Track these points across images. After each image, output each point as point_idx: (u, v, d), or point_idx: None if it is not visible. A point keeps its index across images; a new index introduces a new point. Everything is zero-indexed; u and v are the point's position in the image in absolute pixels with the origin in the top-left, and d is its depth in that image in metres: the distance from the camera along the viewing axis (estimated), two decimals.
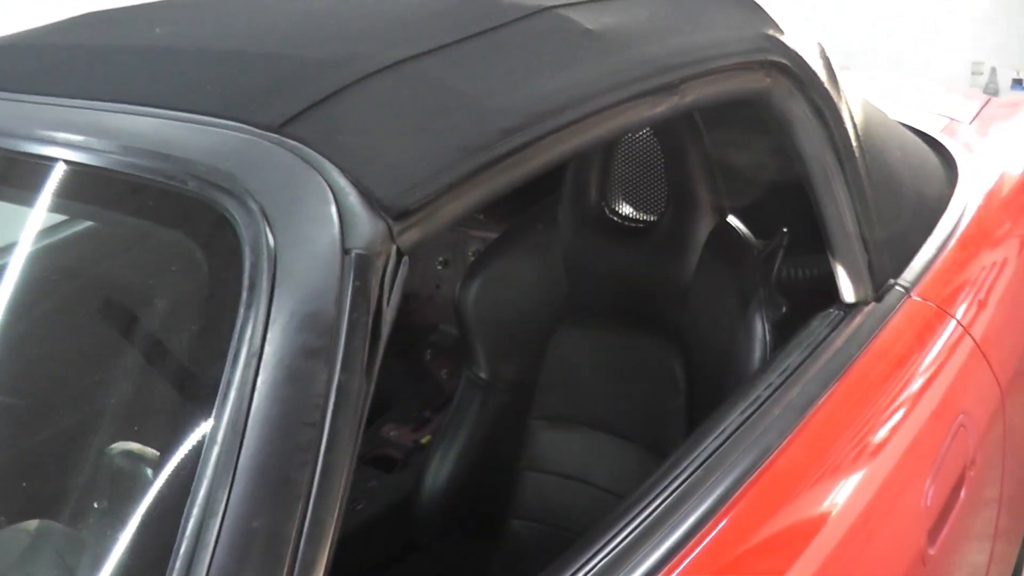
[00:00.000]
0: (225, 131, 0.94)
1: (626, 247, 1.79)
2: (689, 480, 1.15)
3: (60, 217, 1.19)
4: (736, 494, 1.15)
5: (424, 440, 2.29)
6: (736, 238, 1.67)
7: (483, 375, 1.87)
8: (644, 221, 1.80)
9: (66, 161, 1.00)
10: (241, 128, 0.93)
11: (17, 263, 1.14)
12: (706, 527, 1.10)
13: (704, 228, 1.69)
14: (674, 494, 1.13)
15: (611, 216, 1.82)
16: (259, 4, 1.40)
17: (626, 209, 1.83)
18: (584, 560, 1.04)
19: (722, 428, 1.24)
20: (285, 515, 0.77)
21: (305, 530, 0.77)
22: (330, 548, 0.79)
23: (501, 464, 1.89)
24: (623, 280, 1.80)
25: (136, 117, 1.00)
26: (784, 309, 1.56)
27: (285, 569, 0.76)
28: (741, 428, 1.24)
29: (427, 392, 2.47)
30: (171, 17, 1.36)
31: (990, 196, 1.85)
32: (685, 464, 1.18)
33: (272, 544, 0.76)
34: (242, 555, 0.75)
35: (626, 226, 1.81)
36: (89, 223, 1.11)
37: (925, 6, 4.57)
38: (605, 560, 1.04)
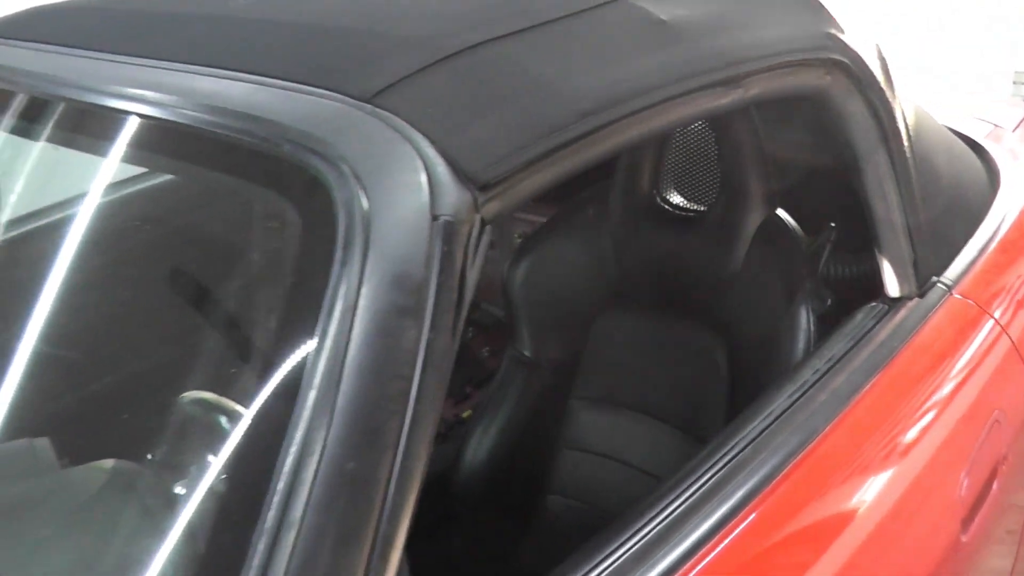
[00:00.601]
0: (318, 99, 0.98)
1: (676, 235, 1.83)
2: (733, 461, 1.20)
3: (157, 173, 1.24)
4: (780, 475, 1.20)
5: (465, 415, 2.34)
6: (785, 231, 1.72)
7: (527, 353, 1.92)
8: (694, 210, 1.85)
9: (165, 120, 1.05)
10: (334, 97, 0.98)
11: (117, 214, 1.20)
12: (750, 506, 1.15)
13: (754, 220, 1.73)
14: (718, 474, 1.18)
15: (662, 204, 1.86)
16: None
17: (677, 198, 1.88)
18: (625, 538, 1.08)
19: (767, 412, 1.28)
20: (377, 460, 0.82)
21: (394, 475, 0.83)
22: (416, 494, 0.84)
23: (541, 441, 1.93)
24: (671, 267, 1.85)
25: (228, 81, 1.05)
26: (829, 302, 1.61)
27: (376, 510, 0.82)
28: (787, 412, 1.28)
29: (468, 369, 2.52)
30: None
31: None
32: (729, 446, 1.22)
33: (365, 486, 0.82)
34: (337, 494, 0.80)
35: (676, 214, 1.86)
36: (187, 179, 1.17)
37: (972, 15, 4.60)
38: (646, 538, 1.08)
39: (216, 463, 0.95)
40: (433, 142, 0.94)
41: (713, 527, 1.11)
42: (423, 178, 0.91)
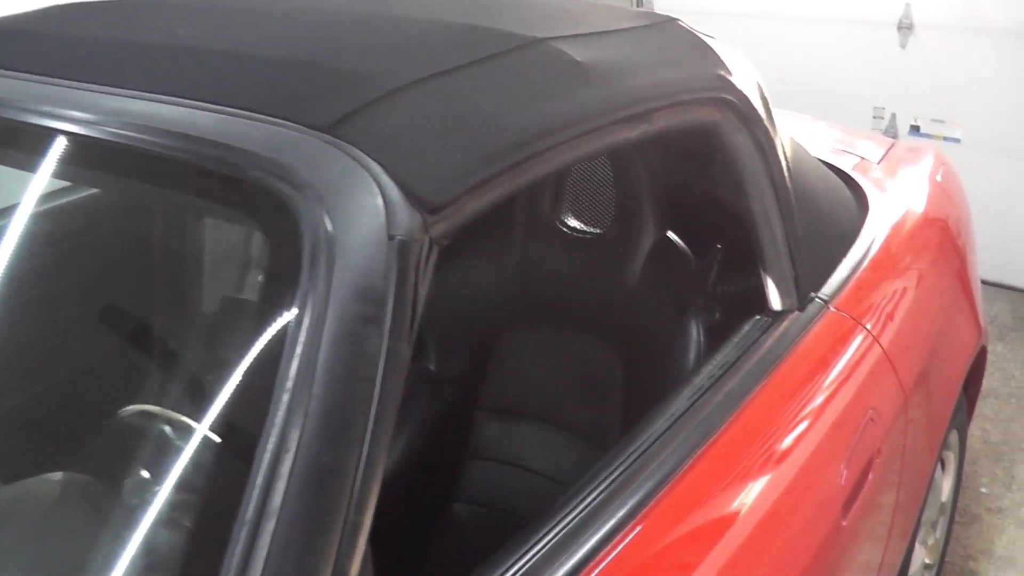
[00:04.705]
0: (281, 128, 1.07)
1: (574, 256, 1.97)
2: (635, 464, 1.31)
3: (124, 197, 1.29)
4: (678, 474, 1.31)
5: None
6: (675, 251, 1.87)
7: (432, 368, 2.01)
8: (591, 233, 1.99)
9: (131, 146, 1.11)
10: (294, 127, 1.06)
11: (82, 229, 1.24)
12: (651, 505, 1.26)
13: (646, 241, 1.88)
14: (620, 477, 1.28)
15: (561, 227, 2.00)
16: (258, 13, 1.52)
17: (575, 221, 2.01)
18: (535, 541, 1.16)
19: (664, 417, 1.40)
20: (347, 454, 0.90)
21: (361, 468, 0.91)
22: (378, 485, 0.93)
23: (447, 452, 2.03)
24: (570, 285, 1.98)
25: (193, 111, 1.12)
26: (717, 316, 1.76)
27: (346, 499, 0.89)
28: (682, 417, 1.40)
29: None
30: (178, 18, 1.48)
31: (897, 226, 2.08)
32: (630, 450, 1.33)
33: (337, 477, 0.90)
34: (312, 485, 0.88)
35: (575, 237, 1.99)
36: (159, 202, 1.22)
37: (835, 54, 4.85)
38: (555, 540, 1.17)
39: (197, 462, 1.01)
40: (387, 169, 1.03)
41: (617, 525, 1.21)
42: (379, 202, 1.00)
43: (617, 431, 1.86)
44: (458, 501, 2.02)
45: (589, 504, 1.22)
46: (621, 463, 1.30)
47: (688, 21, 1.67)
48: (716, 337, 1.69)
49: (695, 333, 1.73)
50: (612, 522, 1.21)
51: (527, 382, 2.02)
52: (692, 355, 1.72)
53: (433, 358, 2.02)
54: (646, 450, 1.33)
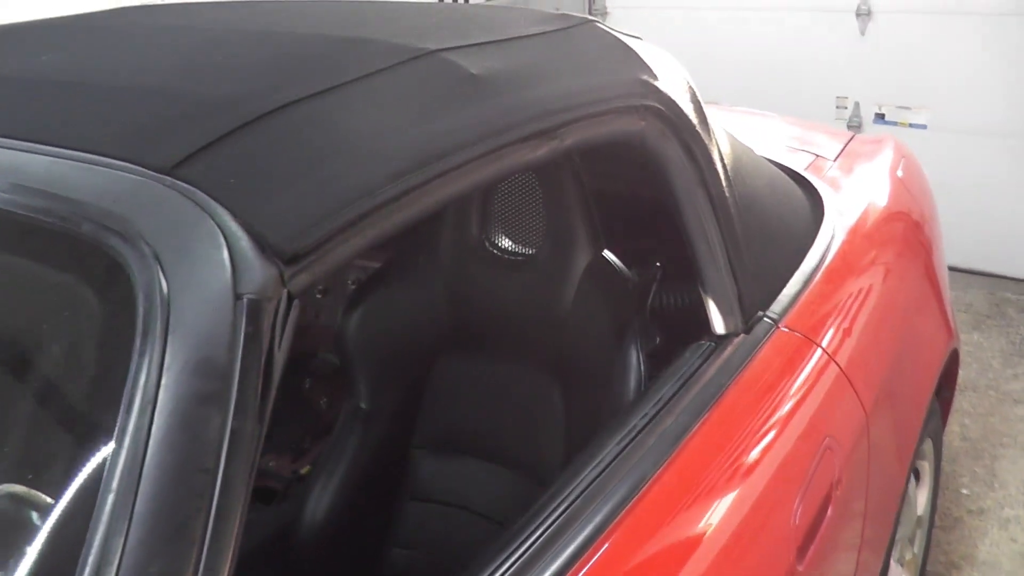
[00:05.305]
0: (117, 172, 0.92)
1: (506, 279, 1.83)
2: (569, 509, 1.19)
3: None
4: (615, 521, 1.19)
5: (304, 471, 2.26)
6: (611, 271, 1.73)
7: (363, 405, 1.87)
8: (523, 254, 1.85)
9: None
10: (133, 169, 0.92)
11: None
12: (587, 552, 1.14)
13: (581, 261, 1.74)
14: (556, 523, 1.17)
15: (491, 249, 1.86)
16: (135, 36, 1.38)
17: (505, 242, 1.87)
18: None
19: (600, 457, 1.27)
20: (181, 561, 0.77)
21: (200, 575, 0.77)
22: None
23: (382, 494, 1.90)
24: (503, 310, 1.84)
25: (26, 154, 0.98)
26: (658, 340, 1.62)
27: None
28: (619, 457, 1.28)
29: (306, 421, 2.44)
30: (47, 46, 1.33)
31: (854, 230, 1.95)
32: (565, 493, 1.21)
33: None
34: None
35: (506, 259, 1.85)
36: None
37: (794, 44, 4.75)
38: None
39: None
40: (235, 215, 0.88)
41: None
42: (225, 255, 0.86)
43: (558, 466, 1.72)
44: (395, 545, 1.89)
45: (523, 554, 1.12)
46: (556, 508, 1.19)
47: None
48: (658, 362, 1.55)
49: (635, 359, 1.59)
50: (548, 573, 1.11)
51: (463, 416, 1.89)
52: (632, 385, 1.58)
53: (364, 395, 1.87)
54: (579, 497, 1.21)
